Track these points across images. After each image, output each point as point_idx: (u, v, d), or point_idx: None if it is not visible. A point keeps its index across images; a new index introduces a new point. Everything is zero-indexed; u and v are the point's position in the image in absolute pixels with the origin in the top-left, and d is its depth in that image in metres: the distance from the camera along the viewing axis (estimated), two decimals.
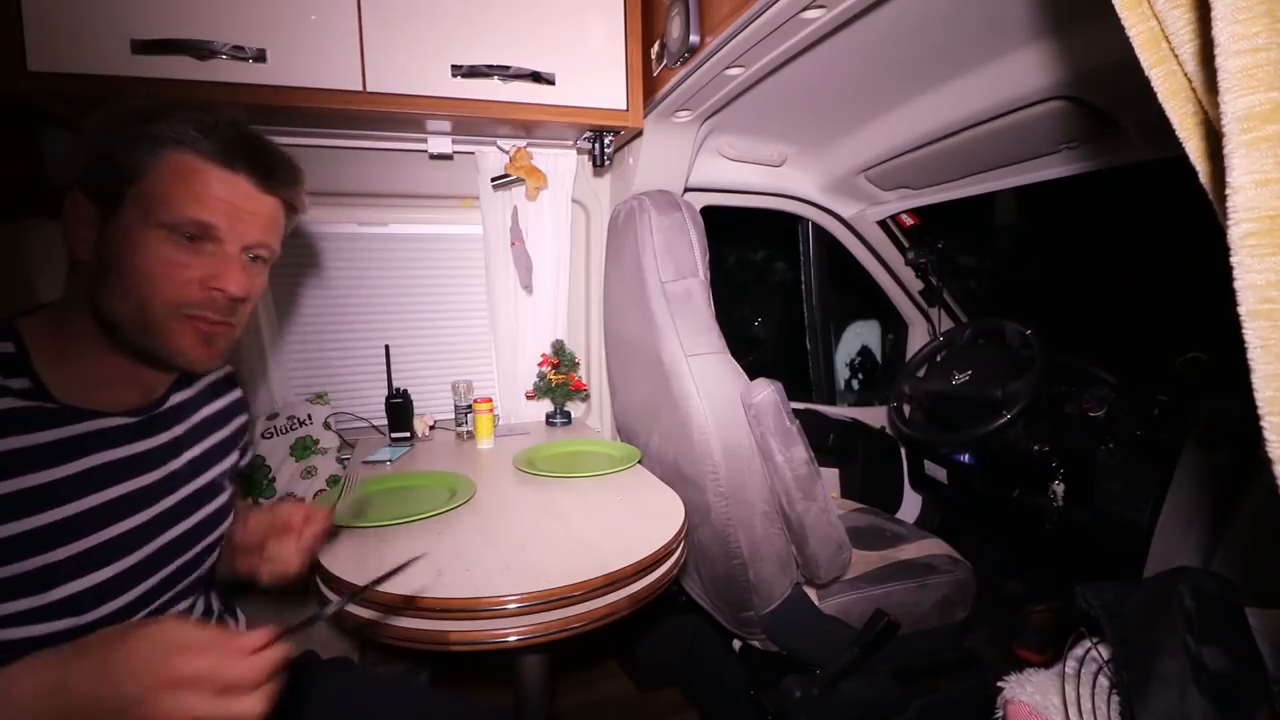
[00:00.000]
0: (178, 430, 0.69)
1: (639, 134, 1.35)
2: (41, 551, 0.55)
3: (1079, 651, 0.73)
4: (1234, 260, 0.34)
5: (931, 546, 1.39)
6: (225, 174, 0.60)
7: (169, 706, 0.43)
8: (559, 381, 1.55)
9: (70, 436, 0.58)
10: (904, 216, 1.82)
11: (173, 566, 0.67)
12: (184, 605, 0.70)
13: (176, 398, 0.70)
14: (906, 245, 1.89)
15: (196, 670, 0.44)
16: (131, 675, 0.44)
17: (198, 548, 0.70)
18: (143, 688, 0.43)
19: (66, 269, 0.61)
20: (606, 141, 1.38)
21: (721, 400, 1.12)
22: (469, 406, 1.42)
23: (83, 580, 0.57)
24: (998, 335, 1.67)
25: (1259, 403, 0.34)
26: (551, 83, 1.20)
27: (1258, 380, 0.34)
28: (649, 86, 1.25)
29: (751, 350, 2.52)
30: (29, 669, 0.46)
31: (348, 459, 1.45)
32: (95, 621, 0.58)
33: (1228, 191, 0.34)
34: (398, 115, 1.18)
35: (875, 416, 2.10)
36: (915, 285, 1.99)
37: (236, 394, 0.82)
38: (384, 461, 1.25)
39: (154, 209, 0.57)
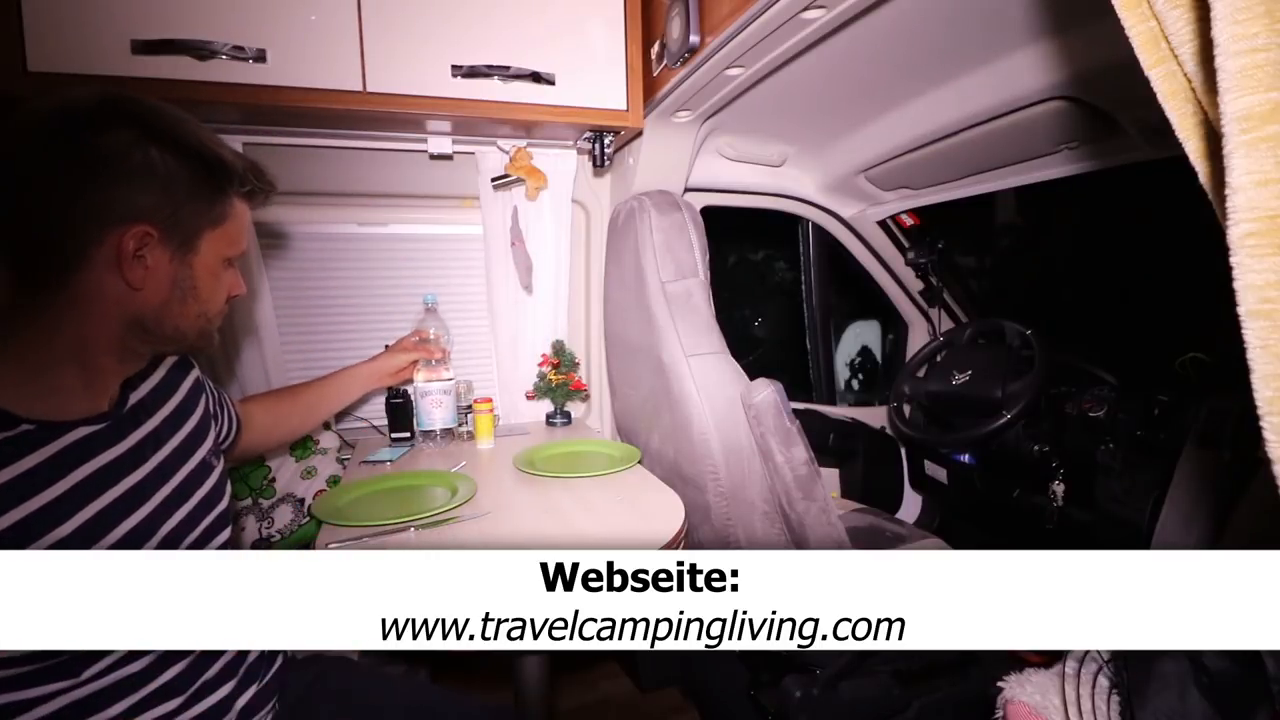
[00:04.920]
0: (152, 424, 0.71)
1: (639, 134, 1.35)
2: None
3: (1079, 651, 0.73)
4: (1234, 260, 0.34)
5: (931, 546, 1.39)
6: (246, 206, 0.74)
7: None
8: (559, 382, 1.55)
9: (57, 452, 0.59)
10: (904, 216, 1.82)
11: (182, 548, 0.70)
12: None
13: (135, 396, 0.71)
14: (906, 245, 1.89)
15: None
16: None
17: (202, 526, 0.74)
18: None
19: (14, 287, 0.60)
20: (606, 142, 1.38)
21: (721, 400, 1.12)
22: (469, 407, 1.42)
23: None
24: (998, 335, 1.67)
25: (1259, 403, 0.34)
26: (551, 83, 1.20)
27: (1257, 380, 0.34)
28: (649, 87, 1.25)
29: (751, 350, 2.51)
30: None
31: (348, 459, 1.45)
32: None
33: (1227, 192, 0.34)
34: (398, 115, 1.18)
35: (875, 416, 2.10)
36: (915, 285, 1.99)
37: (195, 375, 0.83)
38: (384, 461, 1.25)
39: (226, 248, 0.71)
